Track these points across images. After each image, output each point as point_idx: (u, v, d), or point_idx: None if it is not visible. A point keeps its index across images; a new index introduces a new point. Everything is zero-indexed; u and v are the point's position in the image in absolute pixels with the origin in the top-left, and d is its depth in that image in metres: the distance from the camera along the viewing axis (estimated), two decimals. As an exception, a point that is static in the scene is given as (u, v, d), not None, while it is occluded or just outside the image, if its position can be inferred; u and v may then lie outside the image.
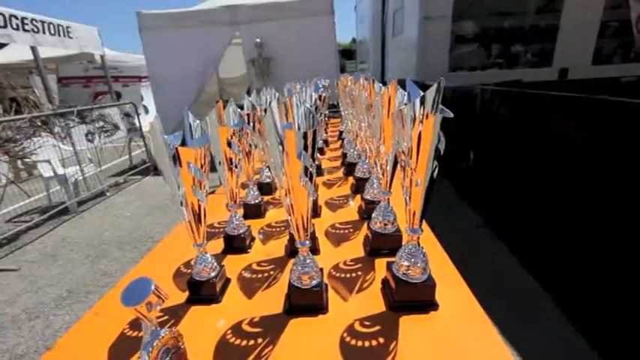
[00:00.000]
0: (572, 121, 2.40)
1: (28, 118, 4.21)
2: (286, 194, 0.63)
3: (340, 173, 1.69)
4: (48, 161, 4.35)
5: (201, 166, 0.68)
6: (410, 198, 0.64)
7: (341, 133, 2.41)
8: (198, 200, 0.70)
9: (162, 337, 0.52)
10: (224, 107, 0.90)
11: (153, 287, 0.49)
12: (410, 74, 6.38)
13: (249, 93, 1.17)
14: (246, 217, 1.20)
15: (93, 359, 0.64)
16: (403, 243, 0.78)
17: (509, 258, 2.83)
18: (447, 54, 6.17)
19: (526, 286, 2.47)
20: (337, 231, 1.09)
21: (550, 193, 2.56)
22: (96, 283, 2.94)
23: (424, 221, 1.12)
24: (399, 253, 0.72)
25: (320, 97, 1.63)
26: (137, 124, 6.43)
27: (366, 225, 1.02)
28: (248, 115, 1.05)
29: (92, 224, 4.24)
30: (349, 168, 1.63)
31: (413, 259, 0.69)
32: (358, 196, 1.32)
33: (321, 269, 0.75)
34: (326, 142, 2.28)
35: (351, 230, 1.09)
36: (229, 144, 0.89)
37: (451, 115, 0.55)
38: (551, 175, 2.54)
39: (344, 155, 1.79)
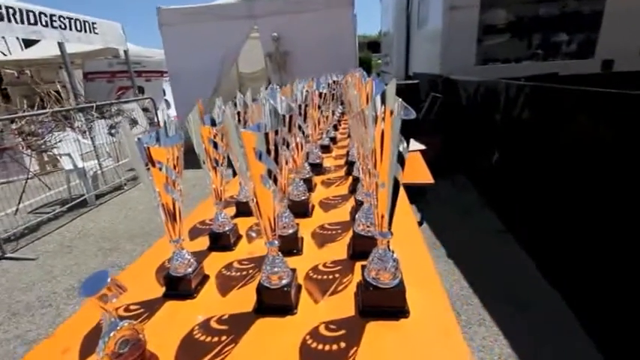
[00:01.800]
0: (614, 121, 2.09)
1: (49, 112, 4.39)
2: (253, 197, 0.63)
3: (343, 172, 1.66)
4: (68, 154, 4.52)
5: (174, 167, 0.69)
6: (377, 201, 0.63)
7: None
8: (173, 199, 0.71)
9: (120, 328, 0.54)
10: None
11: (108, 280, 0.51)
12: (434, 68, 6.02)
13: (267, 88, 1.15)
14: (237, 215, 1.22)
15: (89, 346, 0.66)
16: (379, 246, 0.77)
17: (530, 266, 2.67)
18: (474, 46, 5.69)
19: (546, 297, 2.34)
20: (325, 232, 1.08)
21: (580, 202, 2.32)
22: (107, 273, 3.04)
23: (415, 222, 1.10)
24: (369, 257, 0.71)
25: (320, 94, 1.60)
26: (156, 119, 6.59)
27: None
28: (239, 113, 1.05)
29: (108, 217, 4.39)
30: (350, 167, 1.60)
31: (382, 264, 0.68)
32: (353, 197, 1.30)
33: (293, 270, 0.75)
34: (334, 139, 2.24)
35: (339, 232, 1.07)
36: (215, 144, 0.91)
37: (414, 114, 0.54)
38: (585, 181, 2.28)
39: (347, 154, 1.77)
